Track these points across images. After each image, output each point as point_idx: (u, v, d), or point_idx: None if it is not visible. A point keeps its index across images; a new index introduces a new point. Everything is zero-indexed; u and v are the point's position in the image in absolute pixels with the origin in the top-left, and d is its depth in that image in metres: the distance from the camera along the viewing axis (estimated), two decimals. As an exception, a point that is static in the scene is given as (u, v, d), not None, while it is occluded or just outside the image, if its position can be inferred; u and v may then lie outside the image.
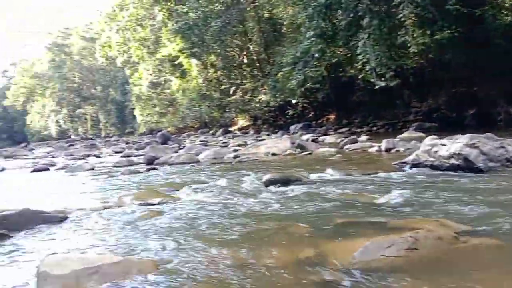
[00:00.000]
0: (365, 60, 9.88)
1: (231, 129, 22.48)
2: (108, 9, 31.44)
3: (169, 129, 26.87)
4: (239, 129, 22.09)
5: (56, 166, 8.79)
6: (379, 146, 6.83)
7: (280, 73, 14.65)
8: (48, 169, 8.23)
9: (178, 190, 3.87)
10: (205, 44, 19.24)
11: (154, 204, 3.25)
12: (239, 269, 1.72)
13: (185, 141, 15.87)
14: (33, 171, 8.06)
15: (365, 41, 9.77)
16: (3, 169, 8.94)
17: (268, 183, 3.78)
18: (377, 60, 9.62)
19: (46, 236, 2.54)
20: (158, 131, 20.83)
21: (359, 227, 2.27)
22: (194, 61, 22.25)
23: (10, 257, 2.13)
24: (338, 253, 1.79)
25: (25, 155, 15.88)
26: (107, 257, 1.81)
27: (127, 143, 18.51)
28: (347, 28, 10.81)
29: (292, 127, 16.19)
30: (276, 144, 7.95)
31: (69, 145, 20.81)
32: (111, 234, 2.47)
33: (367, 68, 10.06)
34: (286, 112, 16.92)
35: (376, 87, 10.03)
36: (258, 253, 1.90)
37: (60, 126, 48.80)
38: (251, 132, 19.77)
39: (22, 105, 52.49)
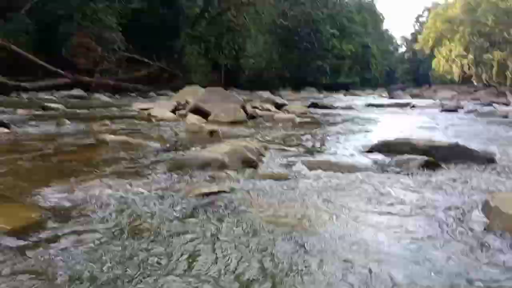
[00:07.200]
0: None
1: None
2: None
3: None
4: None
5: (463, 109, 8.64)
6: None
7: None
8: (456, 111, 8.18)
9: None
10: None
11: None
12: None
13: None
14: (442, 110, 8.22)
15: None
16: (413, 106, 9.59)
17: None
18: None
19: (474, 173, 2.45)
20: None
21: None
22: None
23: (446, 184, 2.16)
24: None
25: (430, 96, 16.51)
26: None
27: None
28: None
29: None
30: None
31: (474, 91, 20.08)
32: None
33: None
34: None
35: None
36: None
37: (464, 72, 47.35)
38: None
39: (430, 49, 53.73)
